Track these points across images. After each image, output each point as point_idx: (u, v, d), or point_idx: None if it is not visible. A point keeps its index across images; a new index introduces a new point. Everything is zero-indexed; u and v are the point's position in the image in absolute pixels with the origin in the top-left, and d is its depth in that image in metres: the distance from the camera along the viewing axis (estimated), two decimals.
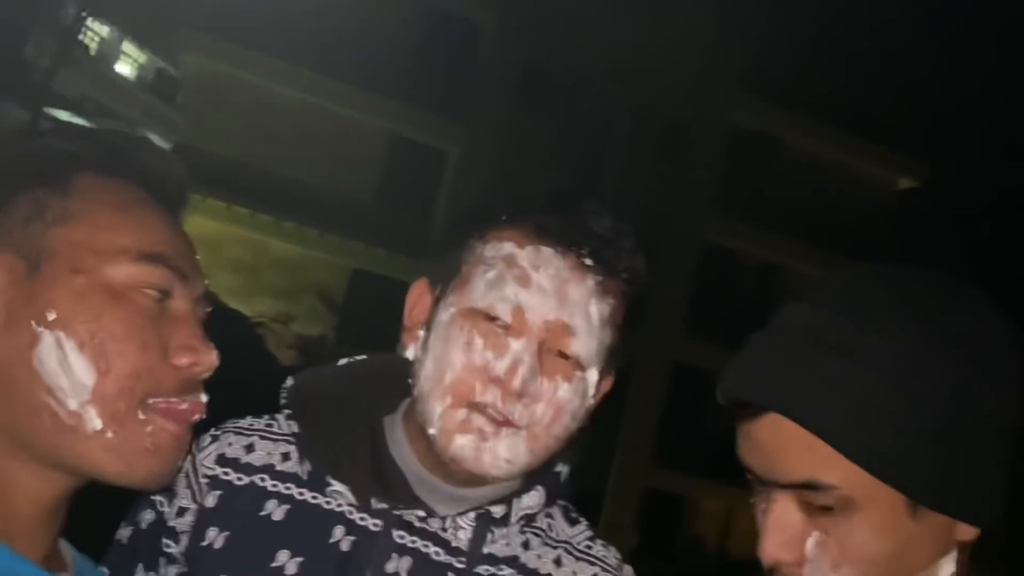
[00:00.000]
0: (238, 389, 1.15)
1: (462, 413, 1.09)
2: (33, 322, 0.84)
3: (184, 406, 0.90)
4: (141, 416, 0.87)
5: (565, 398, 1.11)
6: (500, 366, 1.08)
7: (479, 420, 1.09)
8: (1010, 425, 0.86)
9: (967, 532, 0.88)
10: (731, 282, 20.74)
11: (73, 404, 0.84)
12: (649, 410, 19.32)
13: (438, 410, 1.10)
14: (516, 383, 1.08)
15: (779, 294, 18.61)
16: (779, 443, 0.86)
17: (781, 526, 0.88)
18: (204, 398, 0.93)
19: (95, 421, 0.84)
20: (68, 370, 0.83)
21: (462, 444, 1.09)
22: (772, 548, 0.88)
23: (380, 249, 18.44)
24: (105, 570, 1.06)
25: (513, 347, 1.09)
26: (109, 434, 0.85)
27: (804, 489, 0.86)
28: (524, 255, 1.11)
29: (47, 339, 0.83)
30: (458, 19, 19.29)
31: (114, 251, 0.87)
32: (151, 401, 0.87)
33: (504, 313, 1.09)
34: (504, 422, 1.09)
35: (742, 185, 20.80)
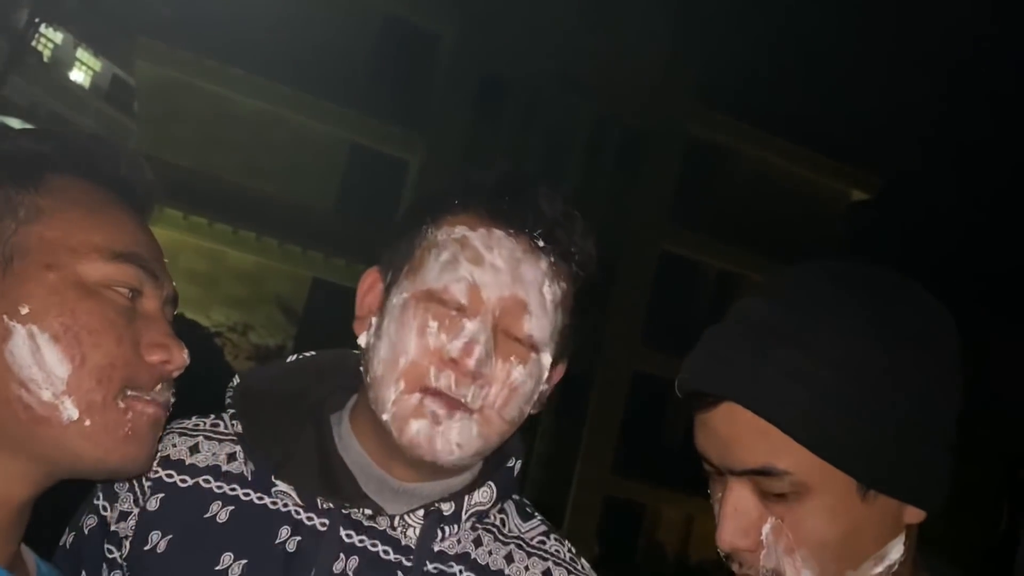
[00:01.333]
0: (194, 400, 1.14)
1: (416, 398, 1.07)
2: (5, 316, 0.84)
3: (161, 398, 0.92)
4: (120, 404, 0.87)
5: (519, 380, 1.10)
6: (454, 347, 1.06)
7: (432, 404, 1.07)
8: (951, 411, 0.91)
9: (915, 515, 0.91)
10: (688, 292, 20.95)
11: (47, 395, 0.84)
12: (608, 419, 19.40)
13: (391, 396, 1.08)
14: (471, 363, 1.05)
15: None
16: (734, 431, 0.90)
17: (737, 513, 0.91)
18: (172, 398, 0.94)
19: (71, 411, 0.85)
20: (41, 362, 0.84)
21: (417, 430, 1.07)
22: (729, 535, 0.91)
23: (340, 259, 18.31)
24: None
25: (468, 327, 1.07)
26: (87, 422, 0.86)
27: (759, 475, 0.89)
28: (477, 237, 1.09)
29: (19, 333, 0.84)
30: (418, 29, 19.29)
31: (87, 249, 0.88)
32: (130, 393, 0.88)
33: (459, 293, 1.07)
34: (457, 405, 1.07)
35: (699, 196, 21.05)
